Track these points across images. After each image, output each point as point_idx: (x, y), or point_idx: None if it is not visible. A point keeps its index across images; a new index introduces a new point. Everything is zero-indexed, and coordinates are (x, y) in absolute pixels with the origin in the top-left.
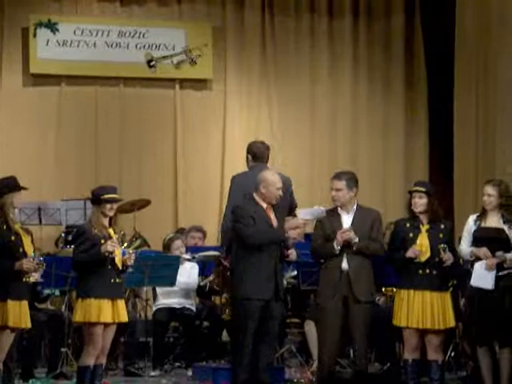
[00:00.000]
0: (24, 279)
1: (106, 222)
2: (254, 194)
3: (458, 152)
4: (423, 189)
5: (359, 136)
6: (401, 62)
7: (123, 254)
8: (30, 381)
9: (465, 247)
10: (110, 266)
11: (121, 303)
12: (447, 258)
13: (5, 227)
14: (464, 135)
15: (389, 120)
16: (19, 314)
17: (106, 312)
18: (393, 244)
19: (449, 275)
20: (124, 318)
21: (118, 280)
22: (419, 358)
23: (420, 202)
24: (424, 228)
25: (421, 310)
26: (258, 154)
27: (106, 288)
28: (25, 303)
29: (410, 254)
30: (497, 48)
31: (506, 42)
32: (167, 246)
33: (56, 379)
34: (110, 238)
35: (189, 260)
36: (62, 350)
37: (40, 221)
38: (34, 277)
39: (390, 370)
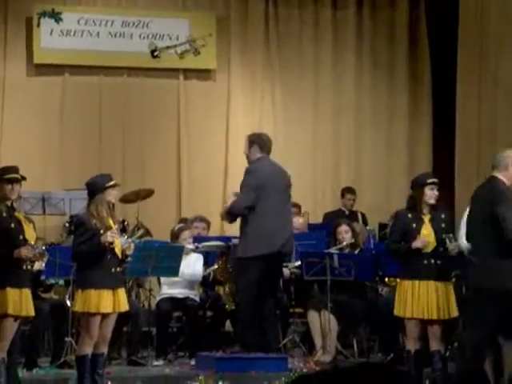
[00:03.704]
0: (25, 267)
1: (105, 211)
2: None
3: (460, 143)
4: (437, 180)
5: (363, 127)
6: (405, 52)
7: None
8: (34, 370)
9: (465, 241)
10: (109, 256)
11: (121, 292)
12: (453, 247)
13: (4, 214)
14: (466, 126)
15: (393, 111)
16: (19, 301)
17: (105, 302)
18: (394, 235)
19: (452, 265)
20: (125, 307)
21: (118, 269)
22: (422, 349)
23: (434, 194)
24: (426, 218)
25: (426, 300)
26: (265, 146)
27: (106, 278)
28: (26, 291)
29: (417, 243)
30: (499, 39)
31: (508, 32)
32: (176, 235)
33: (60, 368)
34: (110, 228)
35: (193, 250)
36: (66, 339)
37: (44, 211)
38: (38, 266)
39: (393, 360)
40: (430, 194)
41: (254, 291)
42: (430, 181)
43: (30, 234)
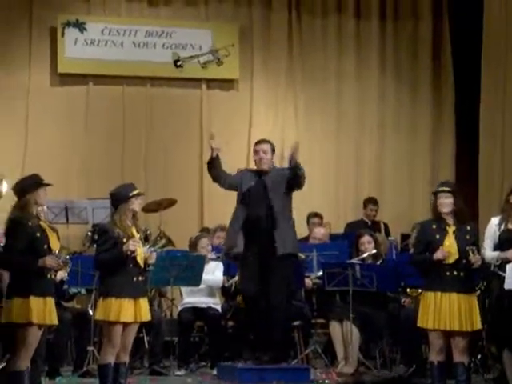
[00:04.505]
0: (48, 276)
1: (129, 220)
2: None
3: (484, 155)
4: (448, 188)
5: (386, 137)
6: (428, 64)
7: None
8: (57, 379)
9: (488, 251)
10: (131, 265)
11: (143, 302)
12: (476, 259)
13: (30, 224)
14: (490, 138)
15: (415, 121)
16: (43, 310)
17: (126, 311)
18: (418, 246)
19: (476, 277)
20: (146, 317)
21: (140, 278)
22: (445, 360)
23: (446, 202)
24: (451, 229)
25: (448, 311)
26: None
27: (127, 287)
28: (50, 300)
29: (438, 255)
30: None
31: None
32: (194, 244)
33: (82, 377)
34: (132, 236)
35: (214, 260)
36: (88, 348)
37: (67, 219)
38: (61, 275)
39: (416, 372)
40: (442, 203)
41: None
42: (440, 189)
43: (54, 243)
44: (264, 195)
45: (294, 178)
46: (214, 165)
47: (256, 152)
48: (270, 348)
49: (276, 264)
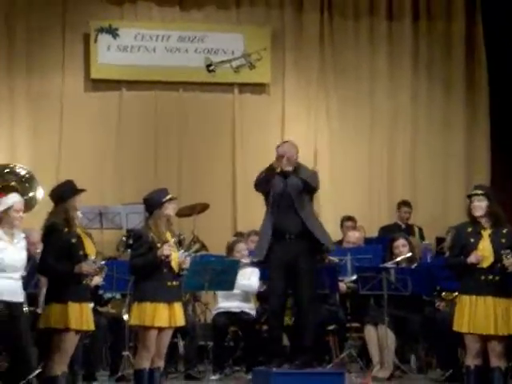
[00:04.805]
0: (84, 282)
1: (163, 225)
2: None
3: None
4: (481, 191)
5: (419, 137)
6: (461, 64)
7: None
8: (93, 383)
9: None
10: (166, 270)
11: (177, 307)
12: (510, 263)
13: (66, 230)
14: None
15: (449, 121)
16: (81, 316)
17: (161, 316)
18: (453, 250)
19: None
20: (181, 321)
21: (174, 283)
22: (482, 365)
23: (479, 206)
24: (486, 233)
25: (483, 315)
26: None
27: (162, 291)
28: (86, 305)
29: (471, 259)
30: None
31: None
32: (230, 248)
33: (117, 382)
34: (167, 241)
35: (248, 265)
36: (123, 353)
37: (101, 225)
38: (97, 280)
39: (452, 376)
40: (475, 206)
41: None
42: (473, 192)
43: (90, 248)
44: (289, 199)
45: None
46: (272, 177)
47: (280, 154)
48: (303, 353)
49: (303, 267)
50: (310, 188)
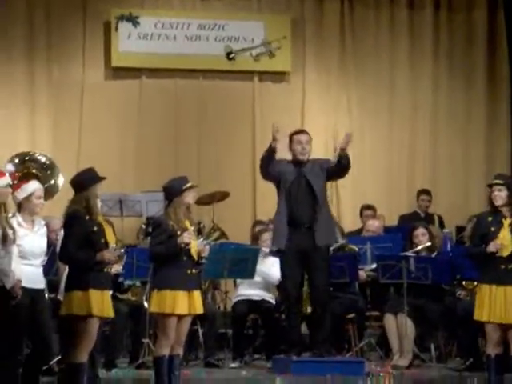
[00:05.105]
0: (105, 269)
1: (182, 213)
2: None
3: None
4: (502, 181)
5: (439, 128)
6: (483, 54)
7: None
8: (113, 370)
9: None
10: (185, 258)
11: (197, 295)
12: None
13: (87, 217)
14: None
15: (470, 112)
16: (102, 303)
17: (180, 304)
18: (474, 239)
19: None
20: (200, 309)
21: (194, 271)
22: (503, 354)
23: (500, 195)
24: (506, 222)
25: (503, 304)
26: None
27: (181, 279)
28: (107, 293)
29: (491, 248)
30: None
31: None
32: (256, 237)
33: (137, 369)
34: (186, 229)
35: (269, 254)
36: (143, 340)
37: (121, 212)
38: (116, 268)
39: (473, 365)
40: (495, 195)
41: None
42: (494, 181)
43: (110, 236)
44: (306, 188)
45: (338, 168)
46: (272, 156)
47: (298, 142)
48: (321, 342)
49: (315, 257)
50: (342, 166)
